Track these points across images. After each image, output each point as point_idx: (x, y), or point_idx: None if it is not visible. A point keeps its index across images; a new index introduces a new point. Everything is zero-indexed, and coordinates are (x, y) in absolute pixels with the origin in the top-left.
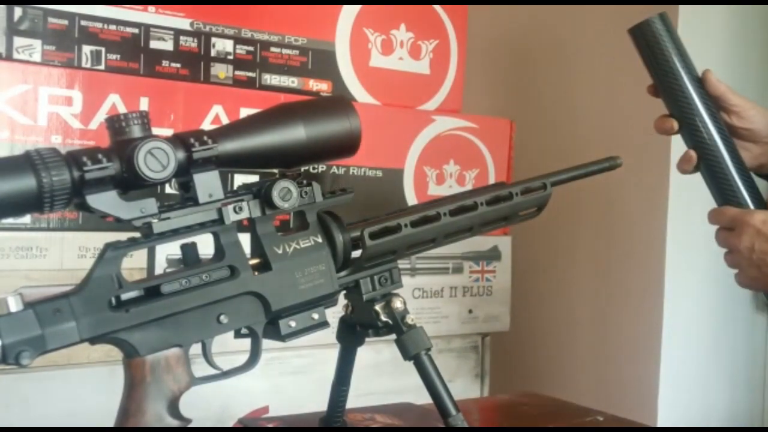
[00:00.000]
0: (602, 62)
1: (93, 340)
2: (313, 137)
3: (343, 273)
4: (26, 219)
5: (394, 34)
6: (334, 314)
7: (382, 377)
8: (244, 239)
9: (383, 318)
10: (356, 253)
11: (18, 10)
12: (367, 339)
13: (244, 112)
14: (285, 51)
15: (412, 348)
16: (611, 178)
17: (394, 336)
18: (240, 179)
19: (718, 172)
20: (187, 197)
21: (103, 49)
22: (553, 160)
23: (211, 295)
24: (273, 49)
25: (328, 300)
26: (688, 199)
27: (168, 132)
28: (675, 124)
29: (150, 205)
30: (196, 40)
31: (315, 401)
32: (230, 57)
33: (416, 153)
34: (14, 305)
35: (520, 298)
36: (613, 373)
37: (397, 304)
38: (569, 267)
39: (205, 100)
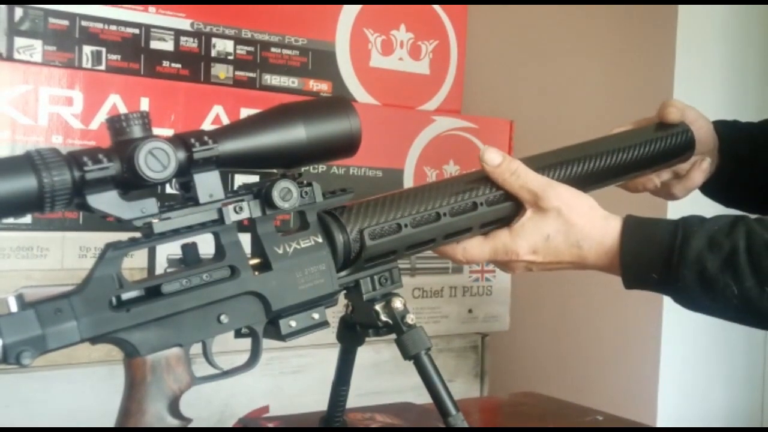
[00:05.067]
0: (602, 62)
1: (94, 340)
2: (314, 137)
3: (343, 273)
4: (27, 219)
5: (394, 34)
6: (334, 314)
7: (382, 377)
8: (245, 239)
9: (383, 318)
10: None
11: (19, 11)
12: (367, 339)
13: (245, 113)
14: (285, 51)
15: (412, 348)
16: None
17: (394, 336)
18: (240, 179)
19: None
20: (188, 197)
21: (103, 50)
22: None
23: (212, 295)
24: (273, 49)
25: (329, 300)
26: (688, 198)
27: (168, 132)
28: None
29: (150, 205)
30: (196, 41)
31: (315, 401)
32: (230, 57)
33: (416, 153)
34: (15, 305)
35: (520, 298)
36: (613, 373)
37: (397, 303)
38: None
39: (205, 101)
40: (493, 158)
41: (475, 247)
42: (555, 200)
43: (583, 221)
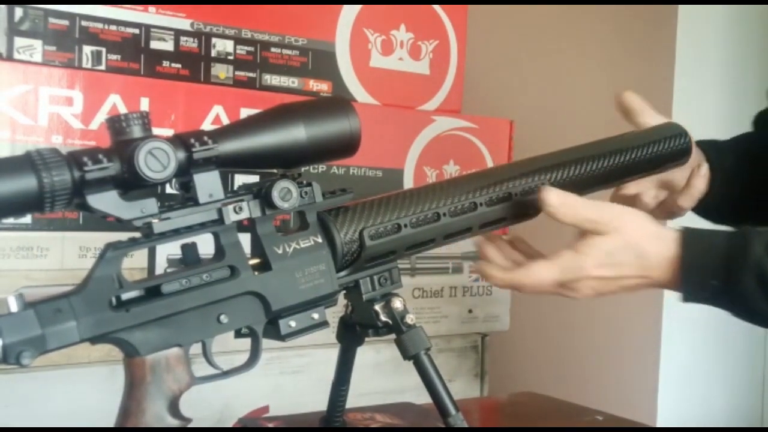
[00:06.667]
0: (602, 62)
1: (93, 340)
2: (314, 137)
3: (342, 273)
4: (27, 219)
5: (394, 34)
6: (334, 314)
7: (382, 377)
8: (245, 239)
9: (383, 318)
10: None
11: (19, 11)
12: (367, 339)
13: (245, 113)
14: (285, 51)
15: (412, 348)
16: None
17: (393, 336)
18: (241, 179)
19: None
20: (188, 197)
21: (103, 50)
22: None
23: (212, 295)
24: (273, 49)
25: (328, 300)
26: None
27: (168, 132)
28: None
29: (150, 205)
30: (196, 41)
31: (315, 401)
32: (230, 57)
33: (416, 153)
34: (15, 305)
35: (520, 298)
36: (613, 372)
37: (397, 303)
38: None
39: (205, 101)
40: (552, 199)
41: (541, 269)
42: (612, 221)
43: (639, 234)
